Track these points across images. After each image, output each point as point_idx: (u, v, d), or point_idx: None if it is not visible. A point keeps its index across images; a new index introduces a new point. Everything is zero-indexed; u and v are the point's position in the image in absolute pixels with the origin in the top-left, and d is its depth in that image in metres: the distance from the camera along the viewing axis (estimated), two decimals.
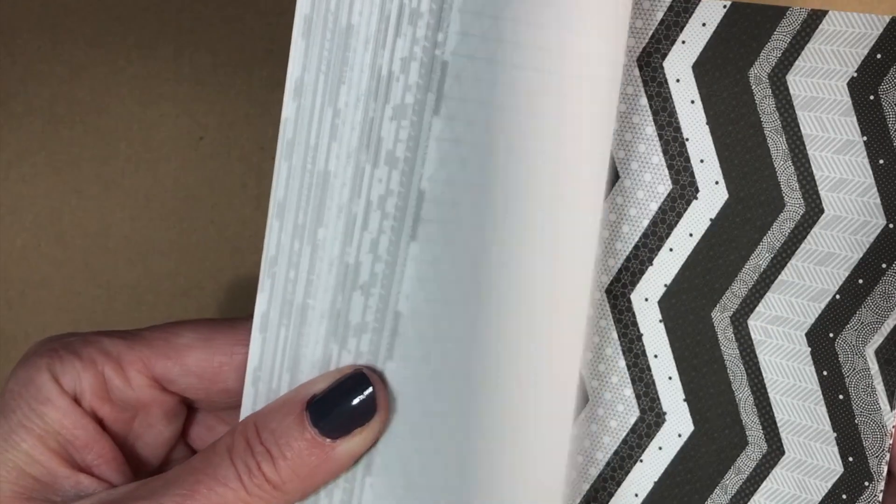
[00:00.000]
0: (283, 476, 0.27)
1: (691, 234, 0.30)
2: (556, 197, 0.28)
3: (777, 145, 0.29)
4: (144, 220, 0.46)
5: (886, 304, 0.28)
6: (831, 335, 0.29)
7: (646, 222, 0.31)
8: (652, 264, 0.31)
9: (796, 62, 0.29)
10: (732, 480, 0.30)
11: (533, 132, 0.27)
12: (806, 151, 0.29)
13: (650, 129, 0.30)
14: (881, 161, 0.28)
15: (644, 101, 0.30)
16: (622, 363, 0.31)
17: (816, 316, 0.29)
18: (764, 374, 0.30)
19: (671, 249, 0.30)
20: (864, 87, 0.28)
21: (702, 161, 0.30)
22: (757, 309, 0.30)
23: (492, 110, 0.27)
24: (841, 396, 0.29)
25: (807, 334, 0.29)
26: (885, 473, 0.29)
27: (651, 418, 0.31)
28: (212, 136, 0.45)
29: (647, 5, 0.30)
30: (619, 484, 0.31)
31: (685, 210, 0.30)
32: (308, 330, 0.29)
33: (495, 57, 0.27)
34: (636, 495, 0.31)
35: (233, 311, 0.46)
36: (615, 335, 0.31)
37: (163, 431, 0.32)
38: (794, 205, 0.29)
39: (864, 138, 0.28)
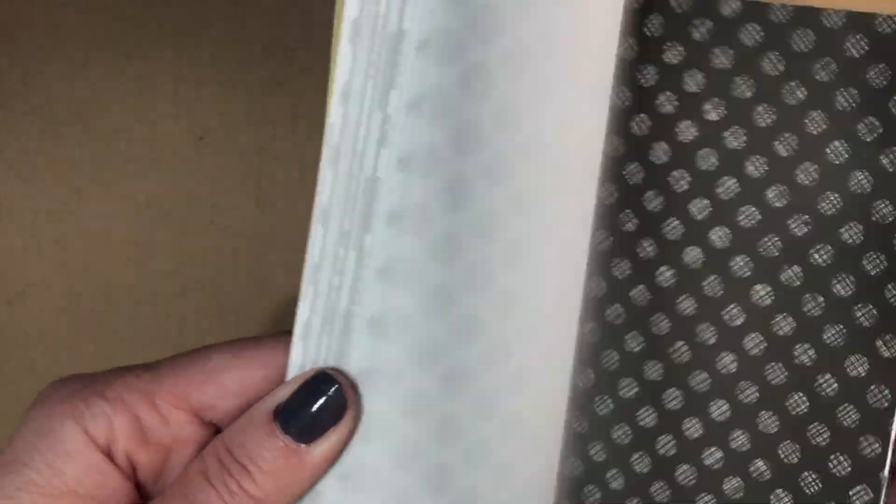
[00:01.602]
0: (265, 489, 0.26)
1: None
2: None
3: None
4: (144, 220, 0.46)
5: None
6: None
7: None
8: None
9: None
10: None
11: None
12: None
13: None
14: None
15: None
16: None
17: None
18: None
19: None
20: None
21: None
22: None
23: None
24: None
25: None
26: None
27: None
28: (212, 136, 0.45)
29: None
30: None
31: None
32: (352, 338, 0.28)
33: None
34: None
35: (232, 312, 0.46)
36: None
37: None
38: None
39: None
